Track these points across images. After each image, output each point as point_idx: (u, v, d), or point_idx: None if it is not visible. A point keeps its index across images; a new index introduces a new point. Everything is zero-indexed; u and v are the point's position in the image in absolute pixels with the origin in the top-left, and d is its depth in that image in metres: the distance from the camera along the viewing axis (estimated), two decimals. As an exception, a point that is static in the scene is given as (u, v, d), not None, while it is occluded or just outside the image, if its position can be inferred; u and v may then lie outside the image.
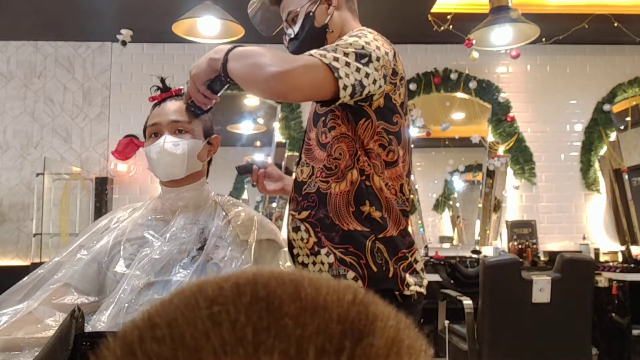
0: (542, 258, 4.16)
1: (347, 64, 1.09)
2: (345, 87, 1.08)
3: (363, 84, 1.12)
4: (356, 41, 1.14)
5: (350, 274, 1.18)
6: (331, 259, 1.19)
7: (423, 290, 1.25)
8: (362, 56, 1.12)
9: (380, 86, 1.17)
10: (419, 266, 1.25)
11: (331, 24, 1.30)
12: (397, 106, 1.25)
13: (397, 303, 1.16)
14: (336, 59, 1.08)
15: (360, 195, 1.20)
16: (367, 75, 1.12)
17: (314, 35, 1.30)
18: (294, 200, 1.30)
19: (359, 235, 1.19)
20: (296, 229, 1.28)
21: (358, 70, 1.10)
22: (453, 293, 2.94)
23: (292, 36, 1.33)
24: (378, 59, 1.15)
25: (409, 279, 1.21)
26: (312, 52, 1.10)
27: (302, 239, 1.25)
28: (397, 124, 1.25)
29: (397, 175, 1.25)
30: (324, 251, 1.20)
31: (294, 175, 1.36)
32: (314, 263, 1.23)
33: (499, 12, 3.20)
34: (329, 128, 1.24)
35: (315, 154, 1.26)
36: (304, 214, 1.25)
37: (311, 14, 1.29)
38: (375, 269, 1.17)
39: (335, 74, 1.07)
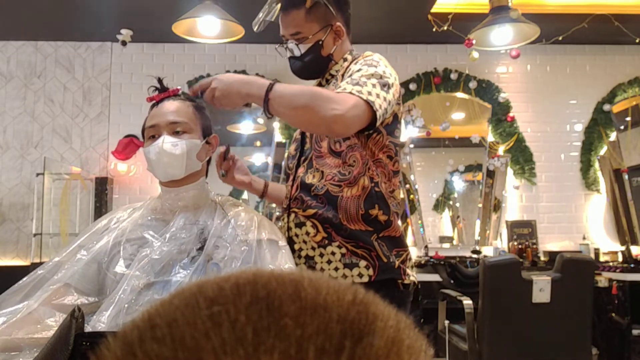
0: (542, 258, 4.16)
1: (377, 95, 1.24)
2: (379, 117, 1.25)
3: (387, 110, 1.28)
4: (376, 71, 1.29)
5: (363, 263, 1.30)
6: (343, 250, 1.31)
7: (416, 280, 1.41)
8: (385, 85, 1.28)
9: (392, 108, 1.33)
10: (410, 264, 1.39)
11: (335, 55, 1.44)
12: (399, 120, 1.40)
13: (399, 290, 1.34)
14: (370, 93, 1.23)
15: (370, 199, 1.32)
16: (389, 102, 1.28)
17: (319, 63, 1.43)
18: (298, 199, 1.38)
19: (363, 234, 1.31)
20: (300, 225, 1.36)
21: (385, 99, 1.26)
22: (453, 293, 2.94)
23: (297, 55, 1.43)
24: (393, 85, 1.31)
25: (407, 270, 1.37)
26: (349, 88, 1.23)
27: (307, 234, 1.35)
28: (399, 137, 1.40)
29: (397, 182, 1.40)
30: (335, 244, 1.32)
31: (297, 177, 1.43)
32: (322, 255, 1.33)
33: (499, 12, 3.20)
34: (343, 138, 1.35)
35: (327, 160, 1.36)
36: (310, 211, 1.34)
37: (320, 42, 1.40)
38: (385, 260, 1.31)
39: (374, 108, 1.23)
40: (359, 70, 1.29)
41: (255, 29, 1.50)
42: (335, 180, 1.33)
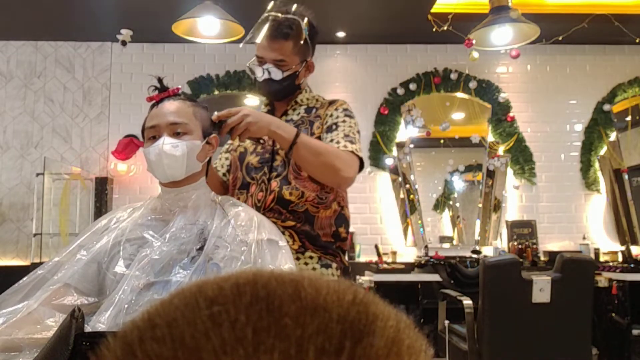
0: (542, 258, 4.16)
1: (361, 148, 1.55)
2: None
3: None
4: (354, 123, 1.59)
5: (334, 265, 1.57)
6: (318, 254, 1.55)
7: None
8: (359, 132, 1.59)
9: None
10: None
11: (303, 85, 1.68)
12: None
13: None
14: (360, 149, 1.54)
15: (339, 220, 1.59)
16: (360, 147, 1.57)
17: (291, 89, 1.64)
18: (274, 211, 1.54)
19: (329, 244, 1.57)
20: None
21: (360, 146, 1.56)
22: (453, 293, 2.94)
23: (276, 79, 1.59)
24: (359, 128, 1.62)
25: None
26: (350, 147, 1.50)
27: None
28: None
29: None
30: (309, 251, 1.54)
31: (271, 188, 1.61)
32: (298, 259, 1.53)
33: (499, 12, 3.20)
34: None
35: (307, 184, 1.56)
36: (289, 223, 1.53)
37: (297, 73, 1.61)
38: (346, 264, 1.62)
39: (362, 161, 1.54)
40: (344, 121, 1.57)
41: (240, 45, 1.72)
42: (314, 202, 1.55)
